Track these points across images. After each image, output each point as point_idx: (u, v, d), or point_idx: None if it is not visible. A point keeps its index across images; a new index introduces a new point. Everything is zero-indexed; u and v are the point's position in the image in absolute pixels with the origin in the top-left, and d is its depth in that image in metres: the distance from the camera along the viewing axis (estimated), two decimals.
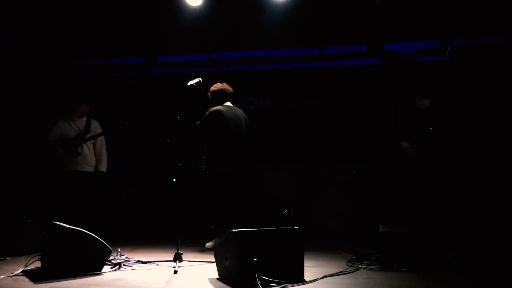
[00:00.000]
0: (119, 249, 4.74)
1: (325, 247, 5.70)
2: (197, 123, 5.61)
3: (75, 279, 3.84)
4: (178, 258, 4.40)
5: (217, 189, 5.56)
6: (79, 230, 4.06)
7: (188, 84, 4.93)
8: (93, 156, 6.32)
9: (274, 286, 3.51)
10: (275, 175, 7.71)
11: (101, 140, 6.41)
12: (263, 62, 8.49)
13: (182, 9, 6.77)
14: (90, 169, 6.28)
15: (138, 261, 4.53)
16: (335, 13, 6.96)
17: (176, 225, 4.55)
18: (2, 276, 3.93)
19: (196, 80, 5.03)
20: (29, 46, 7.76)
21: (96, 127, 6.39)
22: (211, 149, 5.68)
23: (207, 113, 5.61)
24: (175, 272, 4.13)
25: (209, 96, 5.78)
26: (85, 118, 6.34)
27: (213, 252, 4.12)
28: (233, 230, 3.67)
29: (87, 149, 6.27)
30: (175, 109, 5.15)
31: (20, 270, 4.09)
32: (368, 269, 4.28)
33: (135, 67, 9.12)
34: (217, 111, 5.61)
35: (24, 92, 7.86)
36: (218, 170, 5.60)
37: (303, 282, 3.74)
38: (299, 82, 8.56)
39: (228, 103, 5.80)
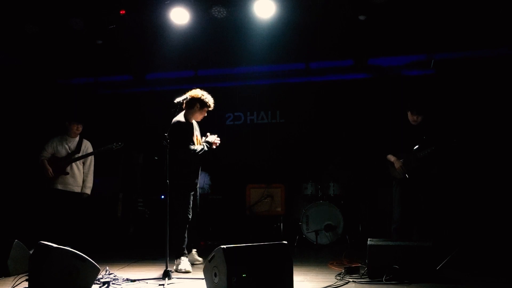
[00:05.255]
0: (107, 268, 4.69)
1: (314, 261, 5.70)
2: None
3: None
4: (167, 275, 4.38)
5: None
6: (66, 249, 4.02)
7: (175, 101, 4.93)
8: (82, 176, 6.31)
9: None
10: (263, 189, 7.72)
11: (90, 161, 6.38)
12: (250, 78, 8.56)
13: (169, 27, 6.82)
14: (78, 189, 6.27)
15: (127, 279, 4.49)
16: (320, 29, 7.04)
17: (166, 242, 4.53)
18: None
19: (184, 97, 5.04)
20: (16, 64, 7.76)
21: (87, 147, 6.38)
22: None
23: None
24: None
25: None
26: (77, 138, 6.35)
27: (202, 268, 4.11)
28: (222, 246, 3.67)
29: (77, 169, 6.26)
30: (162, 127, 5.13)
31: None
32: (357, 282, 4.29)
33: (123, 84, 9.15)
34: None
35: (10, 111, 7.83)
36: None
37: None
38: (286, 97, 8.61)
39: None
